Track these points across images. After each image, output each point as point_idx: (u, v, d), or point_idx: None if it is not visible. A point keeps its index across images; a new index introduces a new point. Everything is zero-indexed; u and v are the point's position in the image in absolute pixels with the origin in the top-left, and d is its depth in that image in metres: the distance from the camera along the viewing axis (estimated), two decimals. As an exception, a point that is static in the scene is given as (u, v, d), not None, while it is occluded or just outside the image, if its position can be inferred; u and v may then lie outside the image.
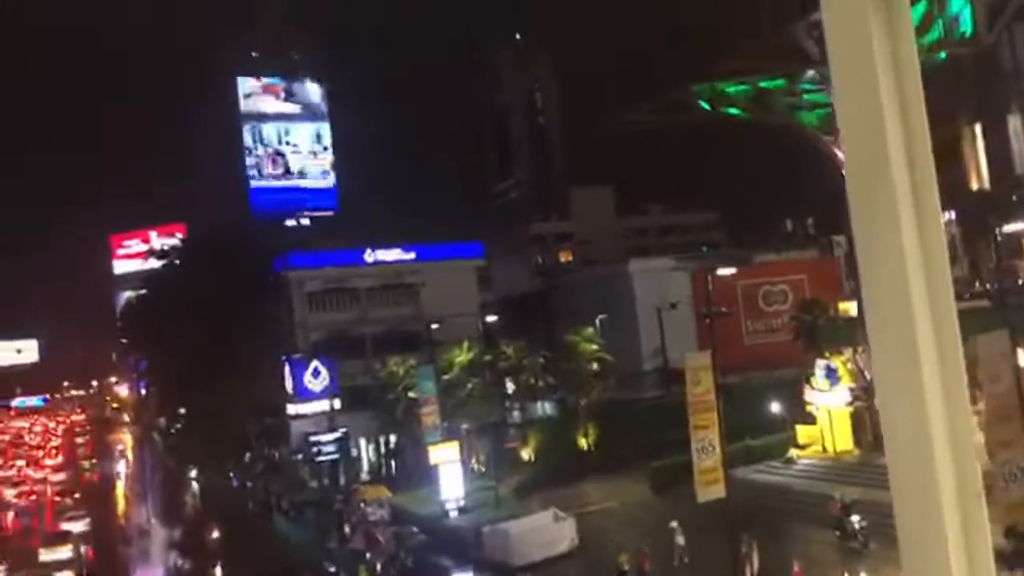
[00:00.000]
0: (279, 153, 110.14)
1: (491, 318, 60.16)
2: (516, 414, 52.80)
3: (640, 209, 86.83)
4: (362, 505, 42.03)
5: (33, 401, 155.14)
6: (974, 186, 54.35)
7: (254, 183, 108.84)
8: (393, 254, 63.87)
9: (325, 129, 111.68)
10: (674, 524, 28.96)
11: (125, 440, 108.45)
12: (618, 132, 52.86)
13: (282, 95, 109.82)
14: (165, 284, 71.71)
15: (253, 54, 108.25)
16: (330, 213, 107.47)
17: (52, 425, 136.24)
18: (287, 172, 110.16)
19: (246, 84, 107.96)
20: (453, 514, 41.22)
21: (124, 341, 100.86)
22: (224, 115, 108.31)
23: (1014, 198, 50.05)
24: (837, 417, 36.81)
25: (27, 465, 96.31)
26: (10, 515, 65.74)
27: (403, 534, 37.82)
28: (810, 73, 36.24)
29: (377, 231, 70.07)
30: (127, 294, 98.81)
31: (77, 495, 68.03)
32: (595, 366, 47.97)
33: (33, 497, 73.13)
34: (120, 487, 77.62)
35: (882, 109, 1.77)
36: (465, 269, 64.44)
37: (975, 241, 51.65)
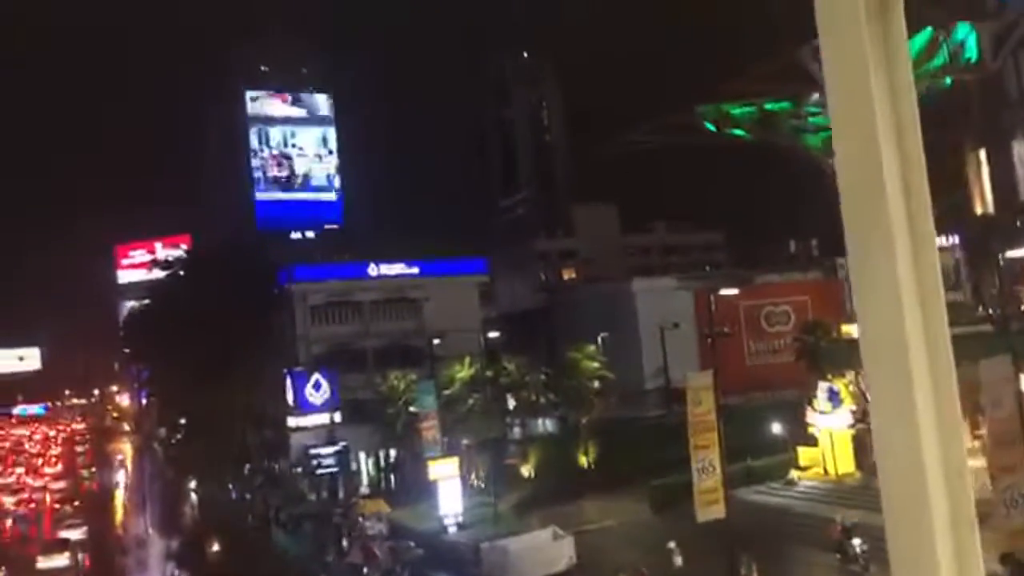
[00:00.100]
0: (285, 156, 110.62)
1: (493, 334, 60.15)
2: (517, 430, 52.71)
3: (645, 227, 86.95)
4: (360, 519, 41.90)
5: (34, 409, 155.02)
6: (978, 211, 54.33)
7: (260, 195, 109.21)
8: (397, 268, 63.95)
9: (331, 133, 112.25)
10: (672, 544, 28.80)
11: (125, 450, 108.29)
12: (624, 151, 53.03)
13: (289, 100, 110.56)
14: (169, 294, 71.78)
15: (263, 68, 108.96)
16: (335, 226, 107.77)
17: (52, 433, 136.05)
18: (292, 175, 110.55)
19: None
20: (452, 530, 41.07)
21: (126, 351, 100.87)
22: (232, 128, 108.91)
23: (1018, 223, 50.00)
24: (839, 439, 36.68)
25: (27, 473, 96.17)
26: (9, 522, 65.62)
27: (400, 549, 37.68)
28: (815, 96, 36.39)
29: (382, 245, 70.28)
30: (130, 304, 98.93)
31: (76, 503, 67.92)
32: (596, 384, 47.89)
33: (32, 505, 73.01)
34: (119, 496, 77.46)
35: (878, 136, 1.79)
36: (468, 284, 64.48)
37: (979, 266, 51.58)
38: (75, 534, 52.95)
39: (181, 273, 73.88)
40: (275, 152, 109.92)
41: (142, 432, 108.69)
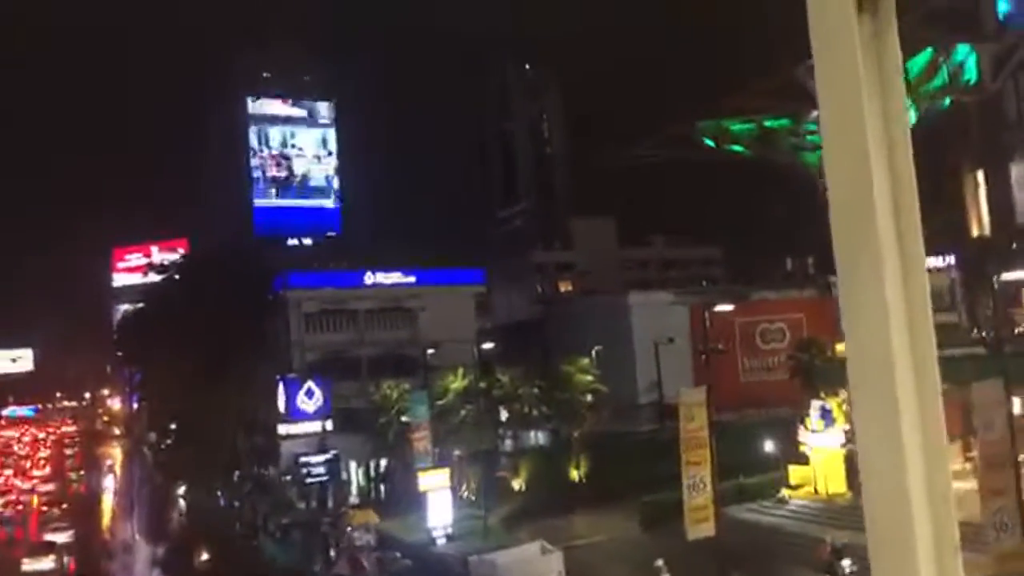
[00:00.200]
0: (284, 156, 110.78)
1: (488, 345, 60.07)
2: (508, 442, 52.54)
3: (643, 241, 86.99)
4: (349, 529, 41.69)
5: (24, 411, 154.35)
6: (975, 232, 54.48)
7: (258, 202, 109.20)
8: (393, 277, 63.85)
9: (331, 134, 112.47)
10: (659, 563, 28.66)
11: (114, 454, 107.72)
12: (624, 164, 53.16)
13: (289, 101, 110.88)
14: (163, 298, 71.60)
15: (265, 74, 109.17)
16: (333, 234, 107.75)
17: (42, 436, 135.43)
18: (291, 175, 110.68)
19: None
20: (440, 542, 40.84)
21: (119, 354, 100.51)
22: (232, 128, 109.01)
23: (1014, 245, 50.13)
24: (830, 458, 36.63)
25: (14, 475, 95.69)
26: (-5, 524, 65.24)
27: (387, 560, 37.50)
28: (814, 114, 36.48)
29: (379, 253, 70.16)
30: (125, 307, 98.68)
31: (64, 506, 67.57)
32: (589, 397, 47.81)
33: (19, 507, 72.60)
34: (107, 500, 77.06)
35: (869, 155, 1.77)
36: (464, 295, 64.41)
37: (974, 288, 51.68)
38: (61, 537, 52.67)
39: (176, 277, 73.76)
40: (274, 152, 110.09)
41: (132, 436, 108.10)
